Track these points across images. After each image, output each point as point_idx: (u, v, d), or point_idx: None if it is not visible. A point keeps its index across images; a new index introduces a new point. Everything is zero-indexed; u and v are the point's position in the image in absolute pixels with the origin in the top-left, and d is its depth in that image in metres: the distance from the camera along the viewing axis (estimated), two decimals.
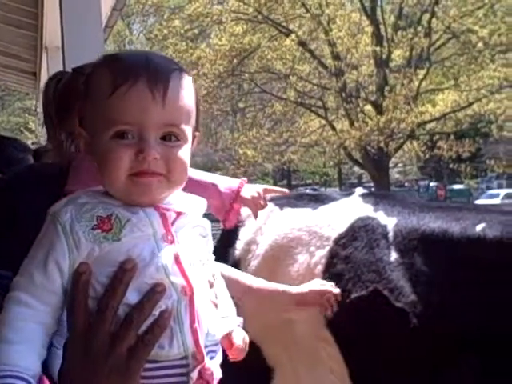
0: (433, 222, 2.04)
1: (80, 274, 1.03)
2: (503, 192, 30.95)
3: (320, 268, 2.15)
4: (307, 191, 2.53)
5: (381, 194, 2.38)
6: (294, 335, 2.15)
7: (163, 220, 1.07)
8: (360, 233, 2.13)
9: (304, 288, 2.04)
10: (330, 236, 2.19)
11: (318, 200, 2.38)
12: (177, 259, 1.05)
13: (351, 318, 2.06)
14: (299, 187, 44.92)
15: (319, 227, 2.23)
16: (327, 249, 2.17)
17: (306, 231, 2.25)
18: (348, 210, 2.25)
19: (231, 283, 1.33)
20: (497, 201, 28.03)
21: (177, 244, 1.07)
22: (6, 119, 36.77)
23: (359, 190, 2.40)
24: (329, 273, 2.13)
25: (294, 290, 2.05)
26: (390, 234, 2.09)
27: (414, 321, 1.93)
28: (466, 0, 23.06)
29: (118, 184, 1.05)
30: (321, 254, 2.17)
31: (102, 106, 1.05)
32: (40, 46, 7.09)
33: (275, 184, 49.82)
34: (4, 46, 7.87)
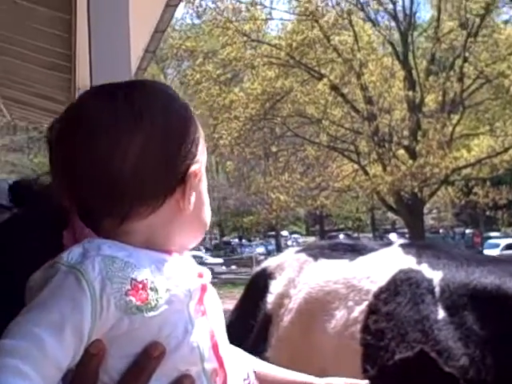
0: (484, 277, 1.85)
1: (92, 355, 0.85)
2: (504, 242, 28.82)
3: (359, 325, 1.98)
4: (342, 240, 2.36)
5: (424, 244, 2.20)
6: None
7: (203, 285, 0.94)
8: (403, 287, 1.96)
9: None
10: (369, 290, 2.02)
11: (355, 250, 2.21)
12: (212, 338, 0.91)
13: (395, 382, 1.86)
14: (332, 232, 44.54)
15: (358, 280, 2.06)
16: (366, 304, 2.00)
17: (343, 284, 2.08)
18: (388, 261, 2.08)
19: None
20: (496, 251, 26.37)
21: (209, 316, 0.93)
22: (43, 161, 37.42)
23: (398, 240, 2.22)
24: (368, 330, 1.95)
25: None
26: (437, 289, 1.91)
27: None
28: (498, 44, 22.94)
29: (206, 228, 0.99)
30: (360, 310, 2.00)
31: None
32: (73, 87, 7.13)
33: (307, 229, 49.40)
34: (38, 88, 7.95)
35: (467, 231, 34.94)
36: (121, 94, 0.96)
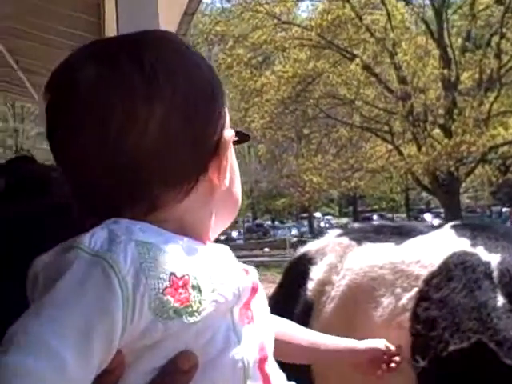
0: None
1: (106, 372, 0.67)
2: None
3: (408, 313, 1.83)
4: (388, 222, 2.22)
5: (479, 225, 2.04)
6: None
7: (253, 285, 0.78)
8: (456, 271, 1.80)
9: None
10: (419, 275, 1.86)
11: (401, 233, 2.06)
12: (261, 351, 0.75)
13: (449, 376, 1.71)
14: (365, 213, 44.24)
15: (406, 265, 1.90)
16: (416, 290, 1.85)
17: (389, 269, 1.93)
18: (440, 244, 1.92)
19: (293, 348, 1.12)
20: None
21: (257, 324, 0.77)
22: None
23: (449, 223, 2.06)
24: (419, 319, 1.80)
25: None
26: (495, 274, 1.75)
27: None
28: None
29: (238, 206, 0.84)
30: (409, 297, 1.85)
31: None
32: None
33: (340, 210, 49.19)
34: None
35: (504, 210, 34.34)
36: (124, 54, 0.77)
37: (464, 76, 22.78)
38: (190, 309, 0.70)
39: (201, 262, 0.74)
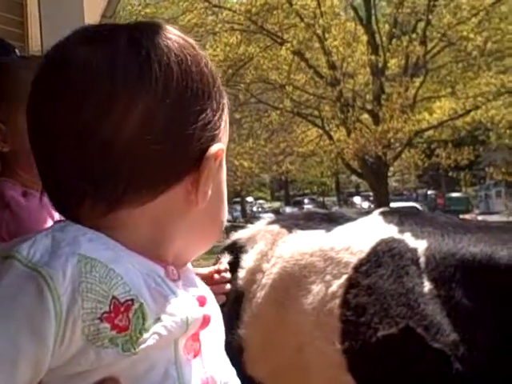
0: (473, 246, 1.72)
1: None
2: None
3: (338, 300, 1.84)
4: (317, 210, 2.22)
5: (406, 211, 2.07)
6: (308, 381, 1.83)
7: (205, 316, 0.70)
8: (384, 258, 1.82)
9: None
10: (348, 262, 1.88)
11: (331, 220, 2.07)
12: None
13: (378, 361, 1.74)
14: (297, 197, 44.72)
15: (335, 252, 1.92)
16: (346, 277, 1.86)
17: (319, 257, 1.93)
18: (368, 231, 1.94)
19: None
20: None
21: (205, 358, 0.69)
22: None
23: (377, 210, 2.09)
24: (348, 306, 1.82)
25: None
26: (422, 260, 1.78)
27: (456, 365, 1.61)
28: (460, 7, 22.93)
29: (221, 231, 0.76)
30: (338, 284, 1.86)
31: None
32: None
33: (272, 194, 49.50)
34: None
35: (429, 192, 35.40)
36: (124, 35, 0.71)
37: (391, 62, 23.21)
38: (128, 338, 0.64)
39: (151, 286, 0.67)
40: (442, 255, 1.75)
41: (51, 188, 0.71)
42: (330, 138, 22.90)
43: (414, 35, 23.28)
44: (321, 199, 42.98)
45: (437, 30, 23.23)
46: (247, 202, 41.58)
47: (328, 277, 1.89)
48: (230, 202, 43.40)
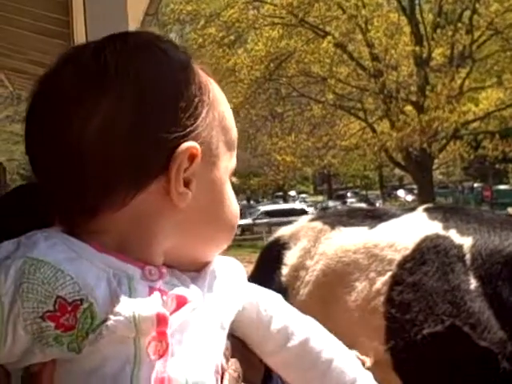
0: None
1: None
2: None
3: (382, 297, 1.83)
4: (361, 206, 2.20)
5: (451, 207, 2.04)
6: None
7: (158, 315, 0.69)
8: (429, 255, 1.80)
9: None
10: (392, 259, 1.86)
11: (374, 216, 2.05)
12: None
13: (423, 359, 1.72)
14: (339, 191, 44.46)
15: (379, 249, 1.91)
16: (390, 274, 1.85)
17: (363, 254, 1.93)
18: (412, 227, 1.92)
19: None
20: None
21: (170, 360, 0.68)
22: None
23: (422, 206, 2.06)
24: (393, 303, 1.81)
25: None
26: (467, 257, 1.75)
27: (503, 364, 1.58)
28: None
29: (231, 234, 0.76)
30: (383, 281, 1.85)
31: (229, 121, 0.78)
32: None
33: (315, 188, 49.31)
34: (37, 56, 7.78)
35: (476, 185, 34.75)
36: (90, 47, 0.75)
37: (436, 52, 22.85)
38: (74, 338, 0.65)
39: (112, 286, 0.68)
40: (488, 252, 1.72)
41: (50, 200, 0.76)
42: (373, 130, 22.68)
43: (459, 24, 22.87)
44: (364, 193, 42.64)
45: (483, 18, 22.74)
46: (290, 196, 41.53)
47: (372, 274, 1.88)
48: (273, 197, 43.47)
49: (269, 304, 0.84)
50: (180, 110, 0.74)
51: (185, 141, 0.73)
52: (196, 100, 0.75)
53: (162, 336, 0.68)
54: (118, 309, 0.67)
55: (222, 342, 0.77)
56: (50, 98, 0.74)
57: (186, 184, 0.74)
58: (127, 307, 0.67)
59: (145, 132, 0.72)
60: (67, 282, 0.67)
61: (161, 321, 0.68)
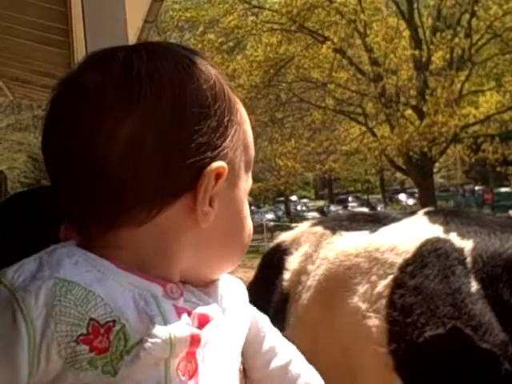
0: None
1: None
2: None
3: (384, 301, 1.84)
4: (361, 211, 2.21)
5: (451, 210, 2.05)
6: (355, 382, 1.84)
7: (192, 335, 0.68)
8: (430, 258, 1.81)
9: None
10: (394, 262, 1.87)
11: (375, 221, 2.07)
12: None
13: (425, 361, 1.73)
14: (340, 195, 44.46)
15: (380, 253, 1.92)
16: (391, 278, 1.86)
17: (365, 257, 1.94)
18: (414, 231, 1.93)
19: None
20: None
21: (201, 380, 0.68)
22: None
23: (422, 209, 2.08)
24: (394, 306, 1.82)
25: None
26: (468, 260, 1.76)
27: (505, 365, 1.59)
28: None
29: (244, 253, 0.76)
30: (384, 284, 1.86)
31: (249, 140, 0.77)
32: (72, 63, 6.97)
33: (316, 193, 49.30)
34: (38, 65, 7.81)
35: (477, 188, 34.75)
36: (120, 56, 0.72)
37: (435, 56, 22.88)
38: (108, 360, 0.64)
39: (140, 306, 0.67)
40: (488, 255, 1.73)
41: (64, 208, 0.74)
42: (374, 134, 22.70)
43: (458, 28, 22.90)
44: (365, 197, 42.64)
45: (482, 21, 22.77)
46: (291, 201, 41.53)
47: (373, 277, 1.89)
48: (274, 202, 43.47)
49: (263, 323, 0.85)
50: (211, 130, 0.73)
51: (214, 160, 0.72)
52: (226, 119, 0.74)
53: (190, 356, 0.68)
54: (153, 330, 0.66)
55: (238, 355, 0.77)
56: (77, 107, 0.71)
57: (210, 203, 0.73)
58: (162, 328, 0.66)
59: (175, 150, 0.70)
60: (98, 304, 0.65)
61: (194, 341, 0.68)
